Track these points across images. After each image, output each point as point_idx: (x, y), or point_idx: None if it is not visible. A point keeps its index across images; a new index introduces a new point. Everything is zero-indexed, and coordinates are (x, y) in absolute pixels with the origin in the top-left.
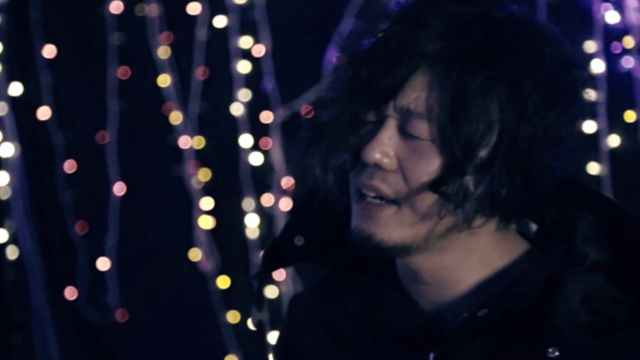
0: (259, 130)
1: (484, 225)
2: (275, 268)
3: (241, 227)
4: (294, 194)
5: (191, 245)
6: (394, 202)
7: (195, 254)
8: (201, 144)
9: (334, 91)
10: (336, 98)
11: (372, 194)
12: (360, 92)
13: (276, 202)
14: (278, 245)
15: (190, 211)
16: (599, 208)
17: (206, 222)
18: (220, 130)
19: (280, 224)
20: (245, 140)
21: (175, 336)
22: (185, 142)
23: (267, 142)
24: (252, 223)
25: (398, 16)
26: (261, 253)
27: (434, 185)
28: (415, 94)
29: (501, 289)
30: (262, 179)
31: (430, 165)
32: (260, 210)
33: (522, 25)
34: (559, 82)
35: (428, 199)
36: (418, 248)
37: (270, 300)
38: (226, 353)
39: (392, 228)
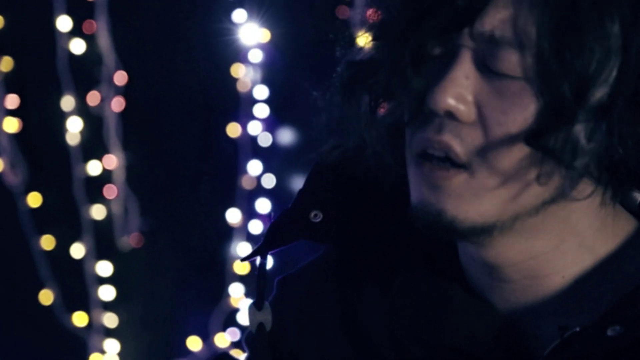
0: (81, 10)
1: (591, 194)
2: (281, 245)
3: (58, 131)
4: (324, 157)
5: None
6: (463, 166)
7: None
8: (0, 25)
9: (381, 13)
10: (386, 24)
11: (441, 154)
12: (423, 15)
13: (105, 100)
14: (289, 219)
15: None
16: None
17: (11, 125)
18: (28, 9)
19: (111, 127)
20: (63, 22)
21: None
22: None
23: (92, 26)
24: (73, 127)
25: None
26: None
27: (533, 138)
28: (501, 15)
29: (632, 293)
30: (87, 72)
31: (524, 112)
32: (83, 110)
33: None
34: None
35: (515, 158)
36: (503, 228)
37: (95, 222)
38: (41, 287)
39: (468, 202)
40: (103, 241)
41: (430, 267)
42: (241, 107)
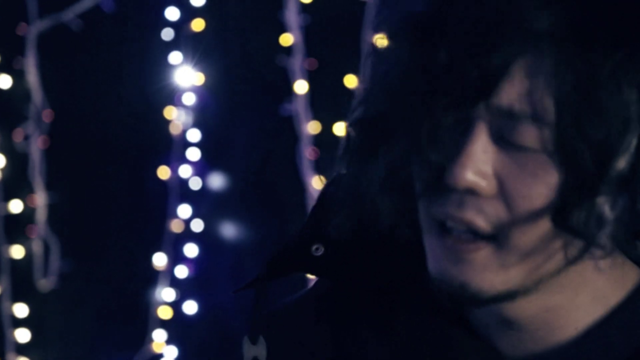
0: (10, 46)
1: (610, 253)
2: (279, 276)
3: None
4: (337, 231)
5: None
6: (491, 237)
7: None
8: None
9: (389, 80)
10: (397, 93)
11: (464, 228)
12: (437, 91)
13: (31, 138)
14: (290, 252)
15: None
16: None
17: None
18: None
19: (36, 165)
20: None
21: None
22: None
23: (21, 62)
24: None
25: None
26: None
27: (558, 217)
28: (518, 89)
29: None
30: (13, 108)
31: (546, 185)
32: (7, 147)
33: None
34: None
35: (541, 230)
36: (526, 292)
37: (14, 262)
38: None
39: (494, 273)
40: (21, 282)
41: (433, 309)
42: (172, 150)
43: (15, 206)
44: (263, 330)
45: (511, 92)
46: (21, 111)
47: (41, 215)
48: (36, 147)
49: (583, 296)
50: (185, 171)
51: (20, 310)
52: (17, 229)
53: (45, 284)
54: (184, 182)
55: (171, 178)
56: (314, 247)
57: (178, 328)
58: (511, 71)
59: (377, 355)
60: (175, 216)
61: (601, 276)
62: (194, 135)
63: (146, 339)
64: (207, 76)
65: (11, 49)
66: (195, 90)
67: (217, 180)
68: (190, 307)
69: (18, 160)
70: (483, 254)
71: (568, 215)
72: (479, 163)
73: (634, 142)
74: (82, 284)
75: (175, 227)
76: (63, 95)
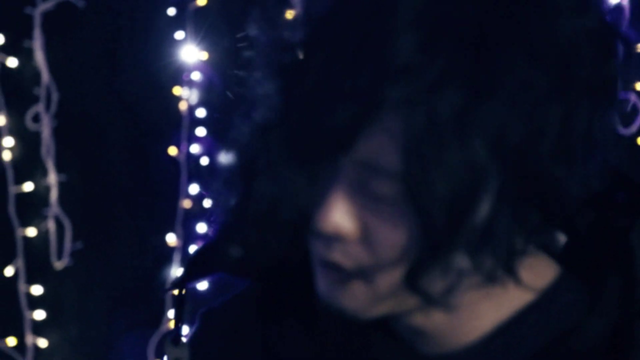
0: (17, 27)
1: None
2: (201, 278)
3: None
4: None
5: None
6: (359, 274)
7: None
8: None
9: (261, 128)
10: (262, 139)
11: (334, 267)
12: (299, 139)
13: (40, 118)
14: (210, 252)
15: None
16: None
17: None
18: None
19: (45, 146)
20: None
21: None
22: None
23: (27, 42)
24: (6, 144)
25: (333, 27)
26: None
27: (409, 279)
28: (376, 143)
29: (545, 346)
30: (21, 90)
31: (404, 236)
32: (18, 128)
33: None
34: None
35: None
36: (410, 312)
37: (28, 242)
38: None
39: (366, 303)
40: (35, 262)
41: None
42: (181, 128)
43: (28, 187)
44: (187, 332)
45: (366, 147)
46: (30, 92)
47: (54, 195)
48: (46, 127)
49: (488, 302)
50: (195, 149)
51: (36, 290)
52: (29, 209)
53: (59, 263)
54: (194, 160)
55: (181, 156)
56: (232, 249)
57: (190, 305)
58: (365, 127)
59: (301, 352)
60: (187, 194)
61: (509, 279)
62: (202, 112)
63: (164, 317)
64: (212, 53)
65: (17, 31)
66: (201, 67)
67: (226, 157)
68: (201, 284)
69: (29, 141)
70: (354, 287)
71: (419, 278)
72: (340, 212)
73: (490, 196)
74: (96, 263)
75: (187, 204)
76: (70, 74)
